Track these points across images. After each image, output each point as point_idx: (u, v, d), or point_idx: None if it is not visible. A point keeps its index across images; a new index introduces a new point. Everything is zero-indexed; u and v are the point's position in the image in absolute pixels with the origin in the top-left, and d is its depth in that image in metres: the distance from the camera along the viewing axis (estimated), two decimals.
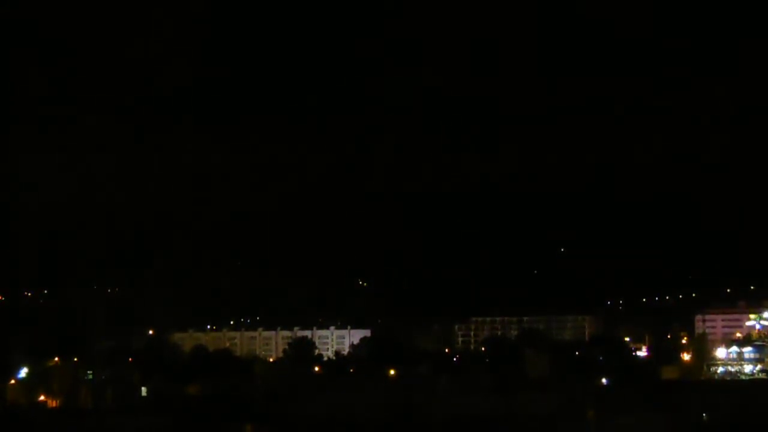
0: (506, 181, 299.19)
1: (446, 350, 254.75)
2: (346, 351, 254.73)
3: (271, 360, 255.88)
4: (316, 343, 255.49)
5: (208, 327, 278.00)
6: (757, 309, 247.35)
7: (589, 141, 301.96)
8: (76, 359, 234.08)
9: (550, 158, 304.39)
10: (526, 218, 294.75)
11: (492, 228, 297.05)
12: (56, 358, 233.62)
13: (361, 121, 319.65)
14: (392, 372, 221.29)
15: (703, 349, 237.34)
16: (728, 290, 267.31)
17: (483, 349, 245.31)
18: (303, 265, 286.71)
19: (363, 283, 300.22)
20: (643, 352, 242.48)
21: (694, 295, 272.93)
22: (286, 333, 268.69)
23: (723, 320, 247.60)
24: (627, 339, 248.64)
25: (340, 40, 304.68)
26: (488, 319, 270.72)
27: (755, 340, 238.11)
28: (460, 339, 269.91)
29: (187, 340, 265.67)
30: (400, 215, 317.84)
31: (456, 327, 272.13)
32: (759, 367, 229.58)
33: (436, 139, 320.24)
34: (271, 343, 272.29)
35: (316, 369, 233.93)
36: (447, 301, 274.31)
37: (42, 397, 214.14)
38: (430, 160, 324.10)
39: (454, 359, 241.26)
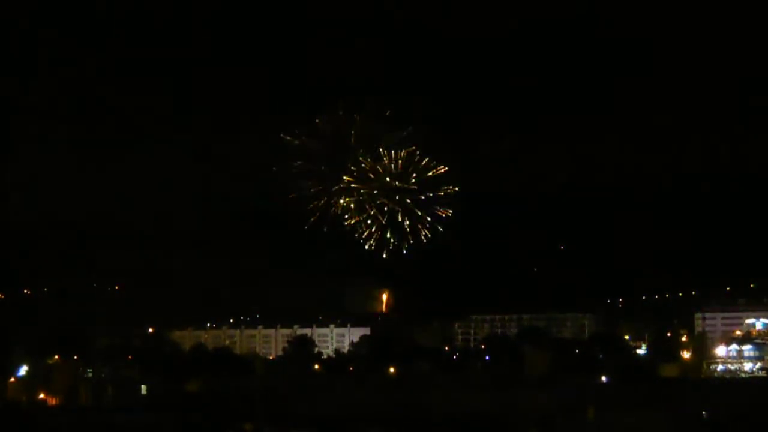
0: (506, 179, 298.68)
1: (446, 348, 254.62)
2: (346, 349, 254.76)
3: (270, 358, 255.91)
4: (316, 341, 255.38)
5: (208, 325, 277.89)
6: (757, 307, 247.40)
7: (590, 139, 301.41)
8: (76, 357, 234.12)
9: (549, 157, 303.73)
10: (525, 216, 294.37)
11: (492, 226, 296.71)
12: (56, 356, 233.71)
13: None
14: (392, 370, 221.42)
15: (702, 347, 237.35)
16: (728, 288, 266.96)
17: (483, 347, 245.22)
18: (304, 263, 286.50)
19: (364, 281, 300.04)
20: (642, 350, 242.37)
21: (693, 293, 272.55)
22: (286, 331, 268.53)
23: (723, 318, 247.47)
24: (627, 337, 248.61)
25: None
26: (488, 317, 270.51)
27: (755, 338, 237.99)
28: (459, 337, 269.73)
29: (186, 338, 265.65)
30: (400, 214, 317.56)
31: (456, 325, 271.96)
32: (758, 365, 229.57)
33: (436, 137, 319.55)
34: (270, 341, 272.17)
35: (316, 367, 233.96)
36: (447, 299, 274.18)
37: (42, 395, 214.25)
38: (431, 159, 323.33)
39: (454, 357, 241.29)
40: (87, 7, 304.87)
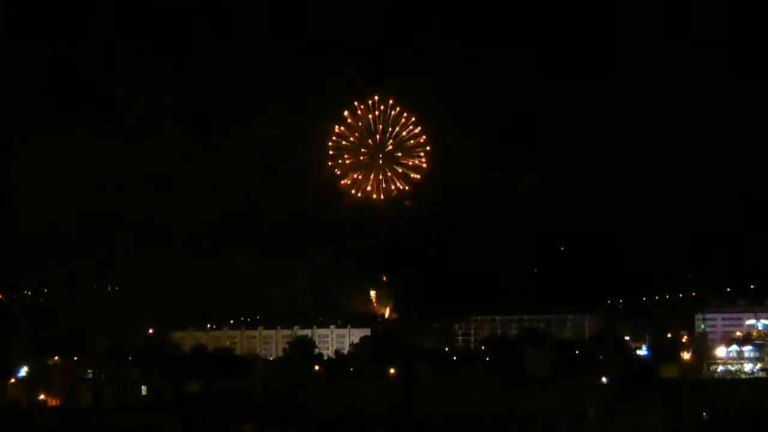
0: (507, 180, 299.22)
1: (446, 349, 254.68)
2: (346, 350, 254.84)
3: (271, 359, 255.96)
4: (316, 342, 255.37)
5: (208, 326, 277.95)
6: (757, 308, 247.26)
7: (589, 140, 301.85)
8: (76, 358, 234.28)
9: (549, 157, 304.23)
10: (526, 217, 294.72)
11: (492, 227, 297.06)
12: (56, 357, 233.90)
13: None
14: (392, 371, 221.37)
15: (703, 348, 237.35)
16: (728, 289, 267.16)
17: (483, 347, 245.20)
18: (304, 264, 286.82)
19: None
20: (643, 351, 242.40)
21: (694, 294, 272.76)
22: (286, 332, 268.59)
23: (723, 319, 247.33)
24: (627, 338, 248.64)
25: None
26: (488, 317, 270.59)
27: (755, 339, 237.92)
28: (460, 338, 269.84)
29: (186, 339, 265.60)
30: (400, 215, 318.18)
31: (456, 326, 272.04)
32: (759, 365, 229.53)
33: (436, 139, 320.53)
34: (271, 342, 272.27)
35: (316, 368, 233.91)
36: (447, 300, 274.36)
37: (42, 396, 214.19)
38: (433, 160, 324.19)
39: (454, 358, 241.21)
40: (86, 6, 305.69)
